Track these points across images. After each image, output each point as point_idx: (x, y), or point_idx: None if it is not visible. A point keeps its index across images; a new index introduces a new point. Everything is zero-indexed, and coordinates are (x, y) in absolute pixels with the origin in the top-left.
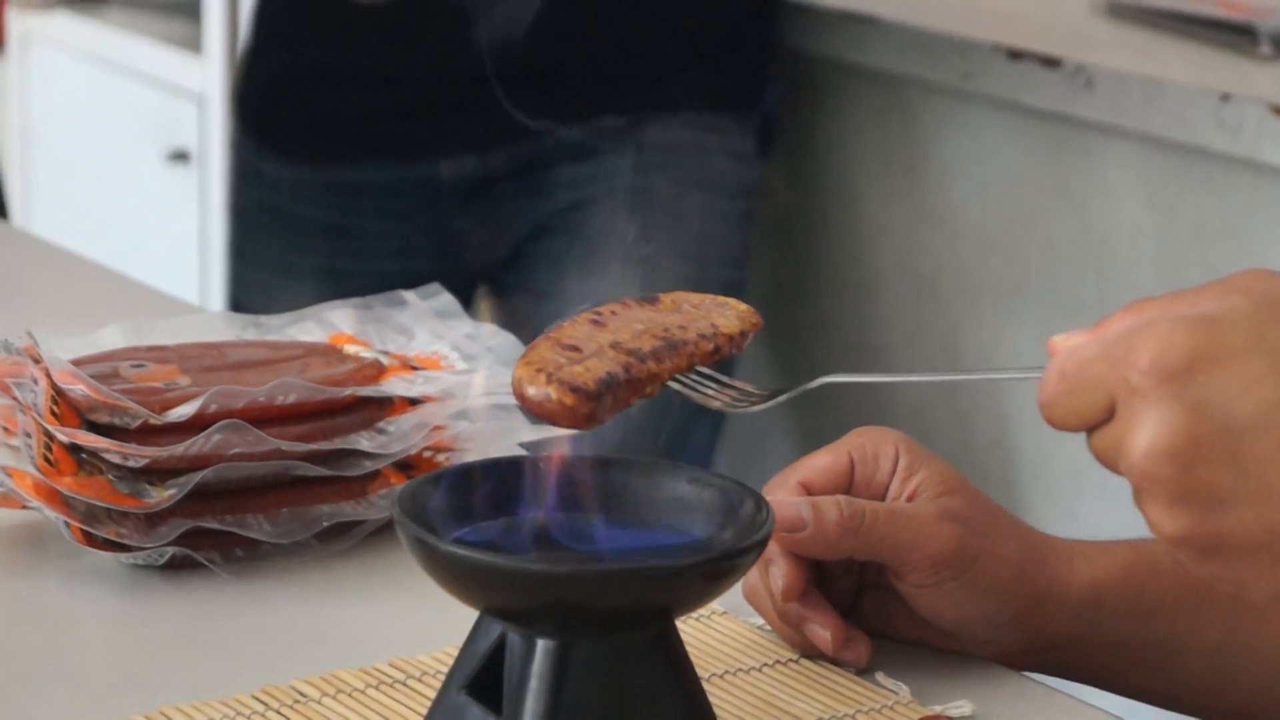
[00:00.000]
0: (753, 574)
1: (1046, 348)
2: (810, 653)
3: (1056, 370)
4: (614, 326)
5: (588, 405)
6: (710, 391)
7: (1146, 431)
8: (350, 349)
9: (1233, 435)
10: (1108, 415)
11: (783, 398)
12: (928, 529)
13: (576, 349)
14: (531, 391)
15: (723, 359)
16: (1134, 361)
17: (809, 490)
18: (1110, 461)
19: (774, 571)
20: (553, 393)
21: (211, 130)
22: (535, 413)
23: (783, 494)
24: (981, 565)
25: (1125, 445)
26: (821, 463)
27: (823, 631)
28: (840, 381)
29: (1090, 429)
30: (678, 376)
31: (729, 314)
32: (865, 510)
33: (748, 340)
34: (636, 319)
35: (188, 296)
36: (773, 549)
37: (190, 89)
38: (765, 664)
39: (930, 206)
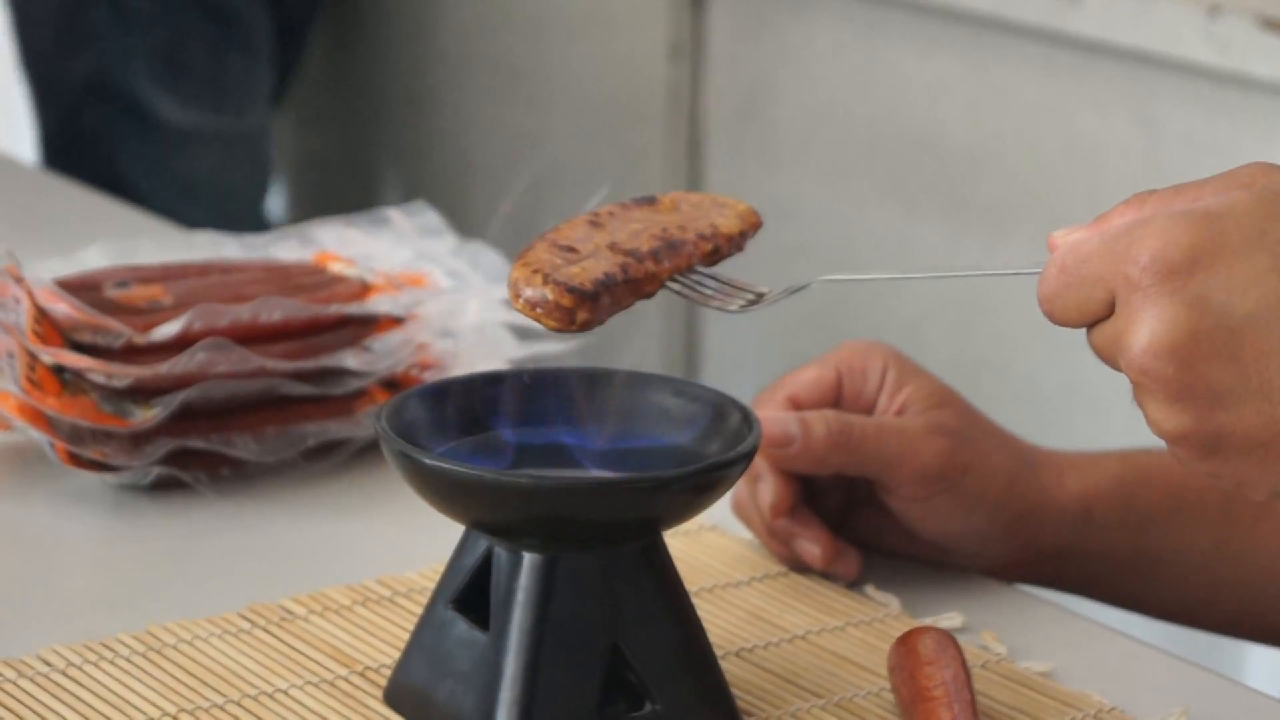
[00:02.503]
0: (741, 489)
1: (1046, 242)
2: (799, 567)
3: (1056, 265)
4: (612, 227)
5: (584, 306)
6: (709, 292)
7: (1146, 328)
8: (335, 267)
9: (1234, 332)
10: (1107, 311)
11: (779, 296)
12: (916, 443)
13: (574, 250)
14: (528, 293)
15: (722, 259)
16: (1134, 257)
17: (796, 405)
18: (1109, 358)
19: (762, 487)
20: (549, 294)
21: None
22: (531, 315)
23: (770, 409)
24: (971, 479)
25: (1125, 341)
26: (809, 377)
27: (812, 547)
28: (837, 281)
29: (1090, 325)
30: (676, 277)
31: (728, 214)
32: (853, 425)
33: (748, 240)
34: (635, 219)
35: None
36: (761, 465)
37: None
38: (754, 578)
39: (918, 126)
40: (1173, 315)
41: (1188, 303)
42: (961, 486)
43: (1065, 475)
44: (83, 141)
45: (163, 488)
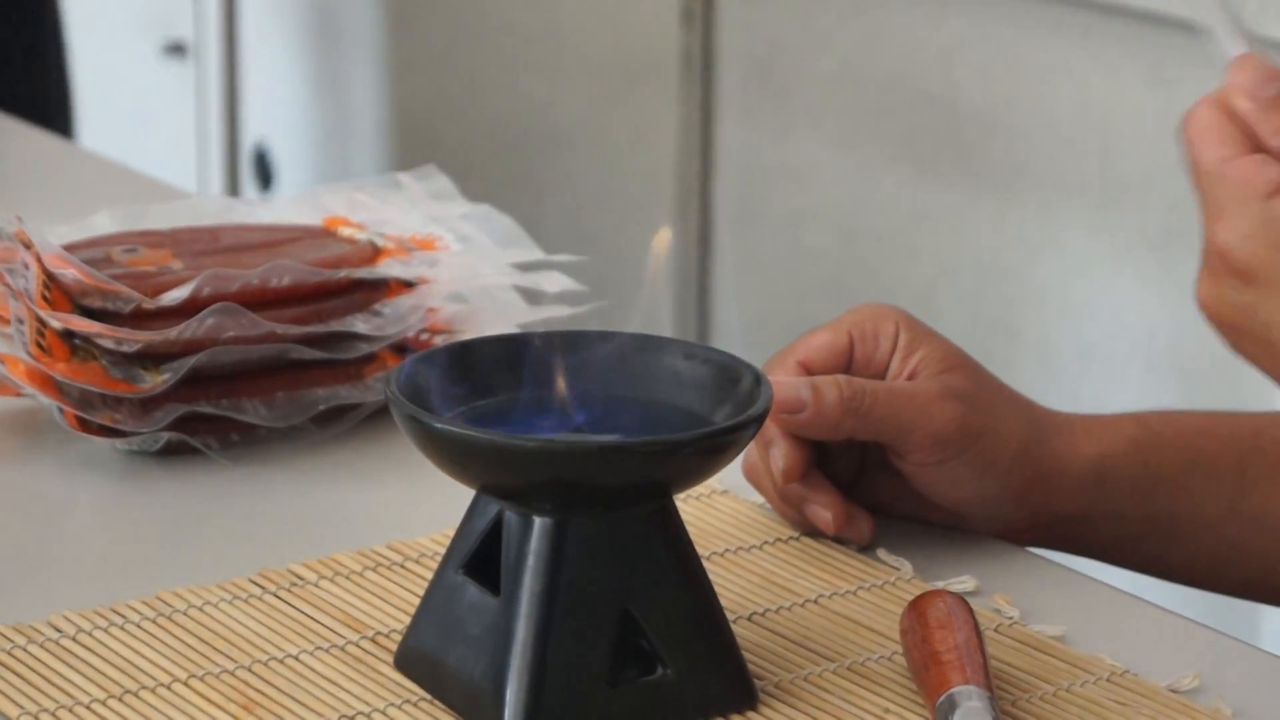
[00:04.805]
0: (753, 453)
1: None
2: (811, 532)
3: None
4: None
5: None
6: None
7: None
8: (345, 231)
9: None
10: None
11: None
12: (929, 407)
13: None
14: None
15: None
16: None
17: (808, 370)
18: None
19: (774, 453)
20: None
21: (208, 22)
22: None
23: (781, 374)
24: (984, 443)
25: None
26: (820, 341)
27: (823, 512)
28: None
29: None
30: None
31: None
32: (865, 389)
33: None
34: None
35: (186, 189)
36: (773, 430)
37: None
38: (766, 541)
39: (931, 89)
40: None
41: None
42: (974, 451)
43: (1078, 438)
44: None
45: (172, 453)
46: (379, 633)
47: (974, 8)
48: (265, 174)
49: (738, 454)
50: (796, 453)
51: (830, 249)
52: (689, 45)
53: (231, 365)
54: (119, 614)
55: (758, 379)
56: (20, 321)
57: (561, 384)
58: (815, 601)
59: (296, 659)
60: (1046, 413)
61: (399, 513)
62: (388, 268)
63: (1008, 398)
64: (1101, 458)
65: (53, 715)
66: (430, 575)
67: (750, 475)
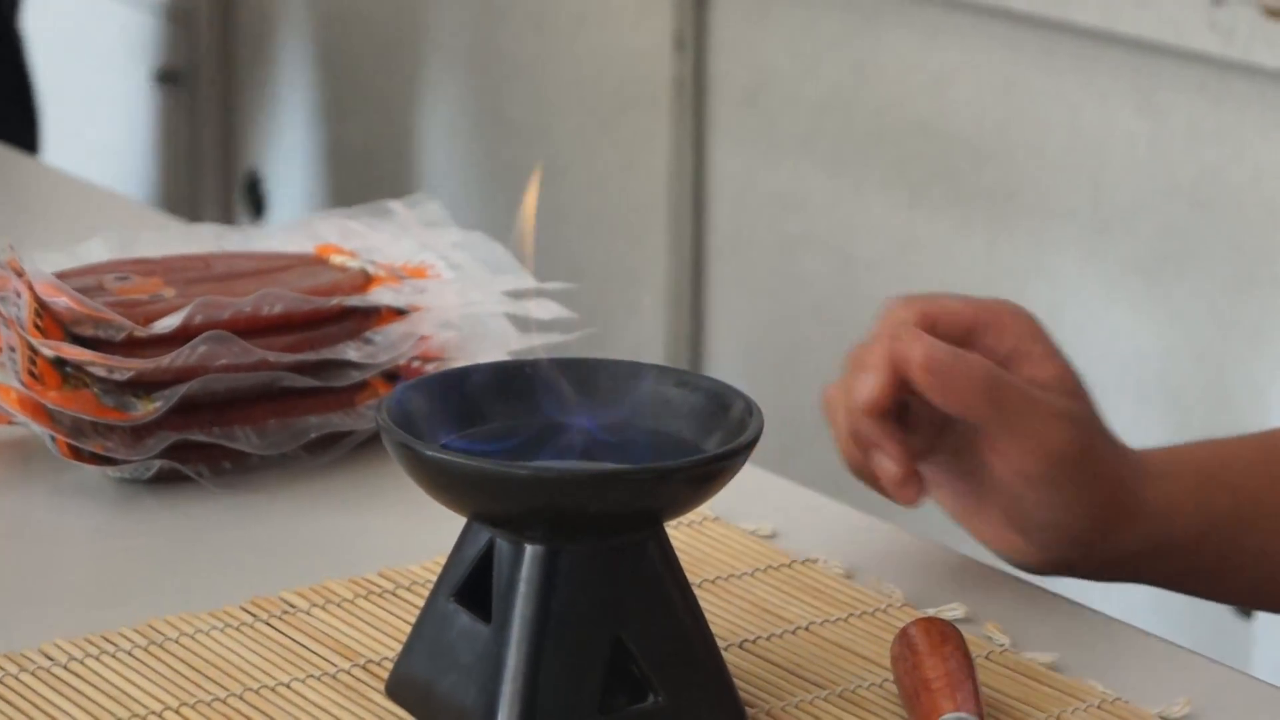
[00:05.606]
0: (835, 387)
1: None
2: (864, 477)
3: None
4: None
5: None
6: None
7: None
8: (337, 259)
9: None
10: None
11: None
12: (1052, 424)
13: None
14: None
15: None
16: None
17: (930, 320)
18: None
19: (865, 378)
20: None
21: (201, 50)
22: None
23: (903, 313)
24: (1086, 474)
25: None
26: (953, 305)
27: (888, 463)
28: None
29: None
30: None
31: None
32: (1006, 381)
33: None
34: None
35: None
36: (878, 358)
37: (178, 8)
38: (757, 569)
39: (922, 116)
40: None
41: None
42: (1078, 480)
43: (1149, 487)
44: None
45: (164, 481)
46: (370, 660)
47: (965, 35)
48: (258, 202)
49: (729, 481)
50: (890, 387)
51: (822, 276)
52: (681, 72)
53: (223, 393)
54: (110, 642)
55: (749, 406)
56: (12, 349)
57: (553, 412)
58: (806, 628)
59: (288, 687)
60: (1134, 455)
61: (390, 540)
62: (379, 295)
63: (1112, 438)
64: (1170, 512)
65: None
66: (421, 603)
67: (827, 407)
